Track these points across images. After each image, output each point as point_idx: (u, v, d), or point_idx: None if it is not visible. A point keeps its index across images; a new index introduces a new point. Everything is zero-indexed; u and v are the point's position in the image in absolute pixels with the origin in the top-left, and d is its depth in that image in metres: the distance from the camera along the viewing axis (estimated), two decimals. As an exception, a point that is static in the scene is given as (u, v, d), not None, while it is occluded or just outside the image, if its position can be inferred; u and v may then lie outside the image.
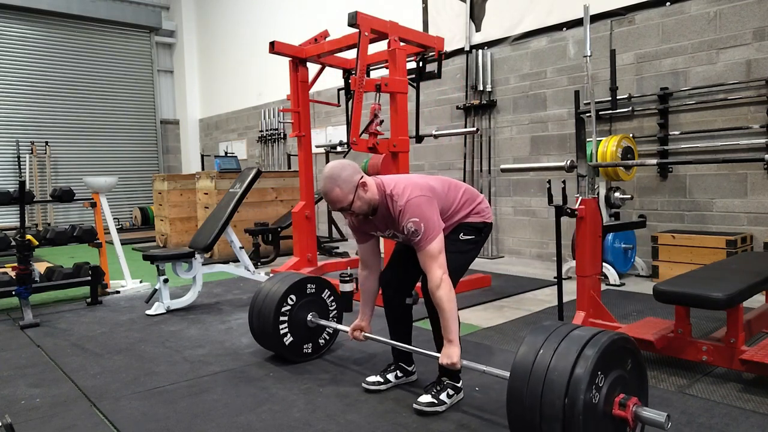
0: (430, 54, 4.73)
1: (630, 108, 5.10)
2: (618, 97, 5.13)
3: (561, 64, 5.71)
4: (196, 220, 7.22)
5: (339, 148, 6.16)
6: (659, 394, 2.39)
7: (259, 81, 10.02)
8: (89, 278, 4.47)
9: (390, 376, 2.54)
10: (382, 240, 2.69)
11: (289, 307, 2.85)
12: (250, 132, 10.50)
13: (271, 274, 3.69)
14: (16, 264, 4.08)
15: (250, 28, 10.27)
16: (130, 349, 3.27)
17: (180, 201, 7.75)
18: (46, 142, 10.37)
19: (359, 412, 2.31)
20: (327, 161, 7.18)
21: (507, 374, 1.83)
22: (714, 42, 4.65)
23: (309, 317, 2.92)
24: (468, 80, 6.48)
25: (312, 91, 5.25)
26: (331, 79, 6.25)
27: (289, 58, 5.00)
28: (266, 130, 9.79)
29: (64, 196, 4.67)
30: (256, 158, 10.15)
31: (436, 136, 5.04)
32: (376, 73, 5.17)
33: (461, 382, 2.39)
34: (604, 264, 4.37)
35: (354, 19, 3.89)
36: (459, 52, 6.58)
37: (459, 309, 2.30)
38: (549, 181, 3.05)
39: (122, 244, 5.25)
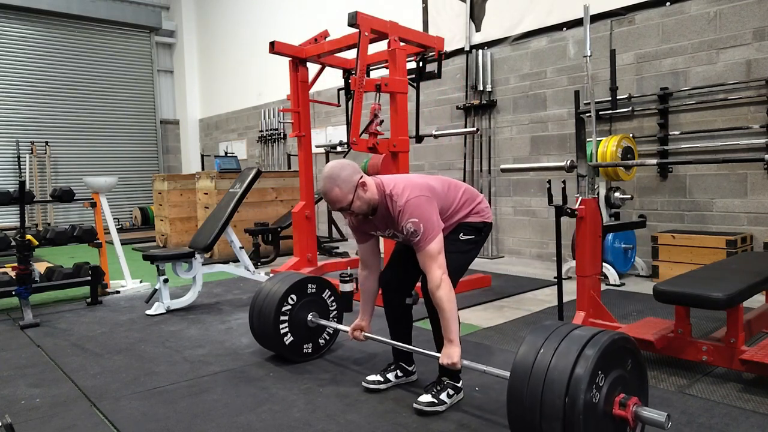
0: (430, 54, 4.73)
1: (630, 108, 5.10)
2: (618, 97, 5.13)
3: (561, 64, 5.71)
4: (196, 220, 7.22)
5: (339, 148, 6.16)
6: (659, 394, 2.39)
7: (259, 81, 10.02)
8: (89, 278, 4.47)
9: (390, 376, 2.54)
10: (382, 240, 2.69)
11: (289, 307, 2.85)
12: (250, 132, 10.49)
13: (271, 274, 3.69)
14: (16, 264, 4.08)
15: (250, 28, 10.27)
16: (130, 349, 3.27)
17: (180, 201, 7.75)
18: (46, 142, 10.37)
19: (359, 412, 2.31)
20: (327, 161, 7.17)
21: (507, 374, 1.83)
22: (714, 42, 4.65)
23: (309, 317, 2.92)
24: (468, 80, 6.48)
25: (312, 91, 5.26)
26: (331, 79, 6.25)
27: (289, 58, 5.00)
28: (266, 130, 9.79)
29: (64, 196, 4.67)
30: (256, 158, 10.15)
31: (436, 136, 5.04)
32: (376, 73, 5.17)
33: (461, 382, 2.39)
34: (604, 264, 4.37)
35: (354, 19, 3.90)
36: (459, 52, 6.58)
37: (459, 309, 2.30)
38: (549, 181, 3.05)
39: (122, 244, 5.25)
